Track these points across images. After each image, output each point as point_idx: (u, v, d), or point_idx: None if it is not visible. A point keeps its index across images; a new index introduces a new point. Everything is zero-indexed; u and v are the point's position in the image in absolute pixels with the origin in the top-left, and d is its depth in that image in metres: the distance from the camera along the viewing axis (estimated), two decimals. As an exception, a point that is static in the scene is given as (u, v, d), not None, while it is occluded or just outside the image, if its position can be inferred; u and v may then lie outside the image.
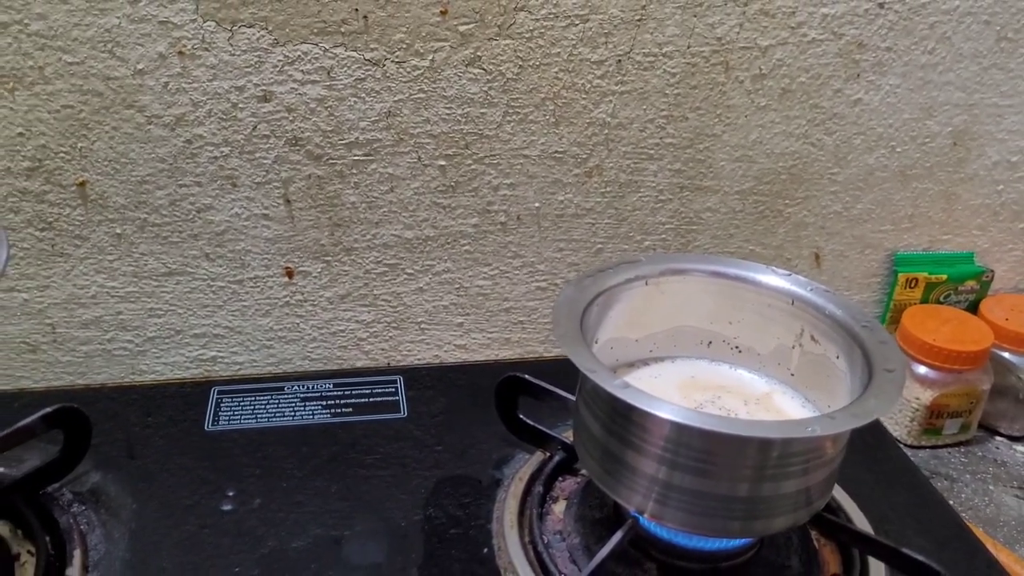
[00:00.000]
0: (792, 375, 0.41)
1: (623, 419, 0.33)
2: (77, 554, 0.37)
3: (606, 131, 0.51)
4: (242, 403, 0.49)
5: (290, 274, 0.52)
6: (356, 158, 0.49)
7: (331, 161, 0.49)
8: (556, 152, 0.51)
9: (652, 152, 0.52)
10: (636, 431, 0.32)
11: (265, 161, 0.48)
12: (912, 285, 0.59)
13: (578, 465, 0.43)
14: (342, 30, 0.45)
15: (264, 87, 0.46)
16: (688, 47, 0.49)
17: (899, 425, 0.55)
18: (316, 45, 0.45)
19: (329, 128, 0.48)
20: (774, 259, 0.58)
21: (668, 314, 0.41)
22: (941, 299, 0.60)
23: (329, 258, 0.52)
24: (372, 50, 0.46)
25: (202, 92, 0.45)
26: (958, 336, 0.53)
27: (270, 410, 0.49)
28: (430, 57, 0.47)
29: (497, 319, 0.56)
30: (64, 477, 0.41)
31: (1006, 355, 0.56)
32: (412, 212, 0.51)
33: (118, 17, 0.43)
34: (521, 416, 0.44)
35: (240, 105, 0.46)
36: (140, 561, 0.38)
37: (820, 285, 0.39)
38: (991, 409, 0.56)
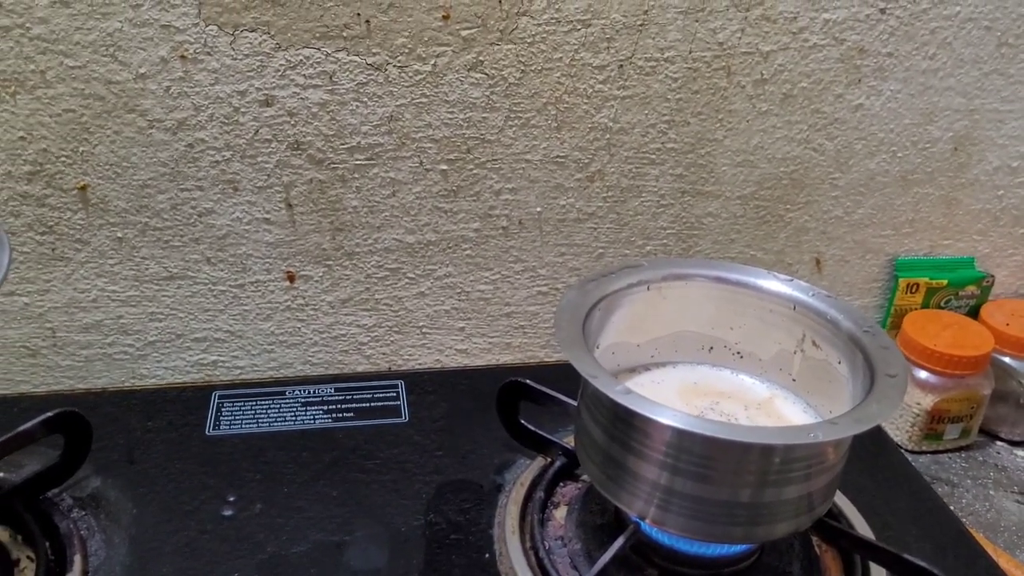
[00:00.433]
0: (794, 380, 0.41)
1: (625, 425, 0.33)
2: (77, 559, 0.37)
3: (608, 136, 0.51)
4: (243, 408, 0.49)
5: (291, 278, 0.52)
6: (358, 162, 0.49)
7: (333, 165, 0.49)
8: (558, 157, 0.51)
9: (654, 157, 0.52)
10: (638, 437, 0.32)
11: (267, 165, 0.48)
12: (913, 290, 0.59)
13: (579, 471, 0.43)
14: (344, 35, 0.45)
15: (266, 91, 0.46)
16: (690, 52, 0.49)
17: (900, 430, 0.55)
18: (318, 50, 0.45)
19: (331, 132, 0.48)
20: (775, 264, 0.58)
21: (670, 319, 0.41)
22: (942, 304, 0.60)
23: (331, 262, 0.52)
24: (374, 55, 0.46)
25: (204, 96, 0.46)
26: (959, 341, 0.53)
27: (271, 415, 0.48)
28: (432, 62, 0.47)
29: (498, 324, 0.56)
30: (64, 482, 0.41)
31: (1007, 360, 0.56)
32: (414, 216, 0.51)
33: (120, 21, 0.43)
34: (522, 421, 0.44)
35: (242, 109, 0.46)
36: (140, 566, 0.38)
37: (821, 290, 0.39)
38: (992, 414, 0.56)
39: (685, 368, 0.42)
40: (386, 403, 0.50)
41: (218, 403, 0.49)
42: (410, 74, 0.47)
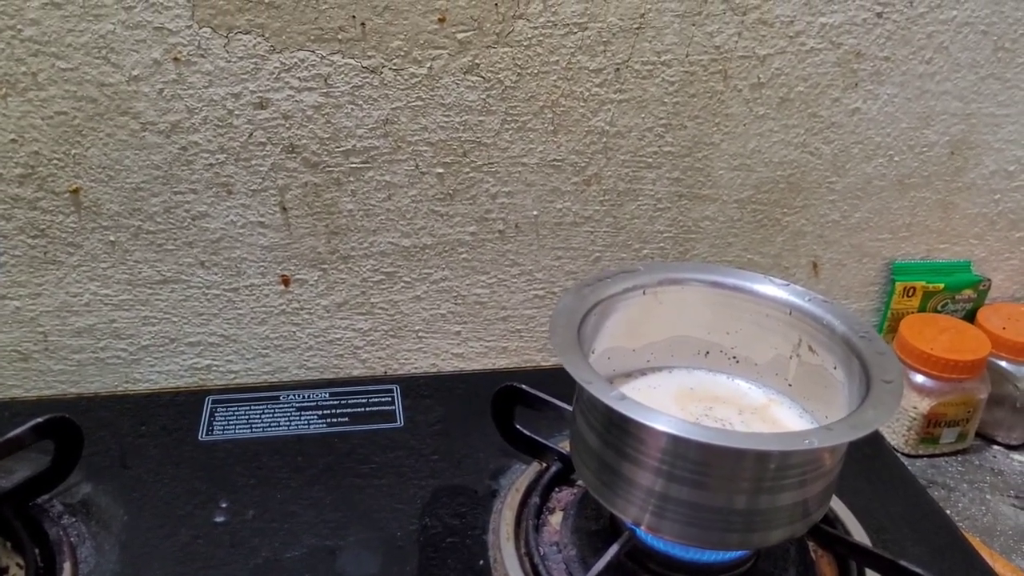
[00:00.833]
0: (790, 385, 0.40)
1: (619, 431, 0.33)
2: (67, 567, 0.37)
3: (604, 139, 0.51)
4: (237, 412, 0.49)
5: (286, 282, 0.52)
6: (353, 166, 0.49)
7: (328, 169, 0.49)
8: (554, 160, 0.51)
9: (650, 160, 0.52)
10: (633, 443, 0.32)
11: (261, 168, 0.48)
12: (910, 294, 0.59)
13: (575, 476, 0.43)
14: (339, 37, 0.45)
15: (260, 94, 0.46)
16: (687, 56, 0.49)
17: (896, 434, 0.55)
18: (313, 52, 0.45)
19: (326, 135, 0.48)
20: (772, 268, 0.58)
21: (666, 324, 0.41)
22: (938, 308, 0.60)
23: (326, 266, 0.52)
24: (369, 57, 0.46)
25: (198, 99, 0.45)
26: (955, 345, 0.53)
27: (265, 420, 0.48)
28: (428, 64, 0.47)
29: (495, 328, 0.56)
30: (55, 488, 0.41)
31: (1003, 364, 0.56)
32: (409, 220, 0.51)
33: (113, 23, 0.43)
34: (518, 426, 0.44)
35: (236, 112, 0.46)
36: (131, 573, 0.38)
37: (818, 295, 0.39)
38: (988, 418, 0.56)
39: (681, 373, 0.42)
40: (381, 408, 0.50)
41: (212, 408, 0.49)
42: (405, 77, 0.47)
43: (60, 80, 0.44)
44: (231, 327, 0.53)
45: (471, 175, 0.50)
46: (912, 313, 0.59)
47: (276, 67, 0.45)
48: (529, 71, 0.48)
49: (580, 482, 0.42)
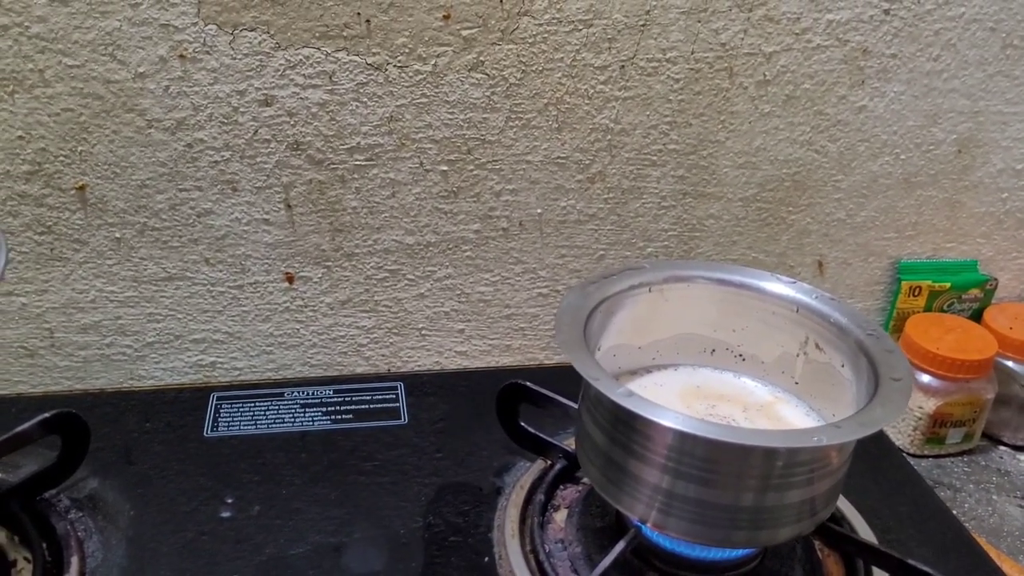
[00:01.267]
0: (796, 383, 0.40)
1: (626, 427, 0.33)
2: (74, 561, 0.37)
3: (609, 137, 0.51)
4: (241, 409, 0.49)
5: (290, 279, 0.52)
6: (357, 163, 0.49)
7: (332, 166, 0.49)
8: (559, 158, 0.51)
9: (655, 158, 0.52)
10: (639, 439, 0.32)
11: (266, 166, 0.48)
12: (916, 293, 0.59)
13: (580, 473, 0.43)
14: (344, 34, 0.45)
15: (265, 91, 0.46)
16: (692, 53, 0.49)
17: (902, 434, 0.55)
18: (318, 49, 0.45)
19: (331, 133, 0.48)
20: (777, 266, 0.57)
21: (672, 322, 0.41)
22: (945, 308, 0.60)
23: (330, 263, 0.52)
24: (374, 55, 0.46)
25: (203, 96, 0.45)
26: (962, 345, 0.52)
27: (269, 416, 0.48)
28: (432, 62, 0.47)
29: (498, 326, 0.56)
30: (62, 483, 0.41)
31: (1010, 364, 0.55)
32: (413, 217, 0.51)
33: (119, 20, 0.43)
34: (522, 424, 0.44)
35: (241, 109, 0.46)
36: (138, 568, 0.38)
37: (825, 293, 0.39)
38: (994, 418, 0.56)
39: (687, 371, 0.42)
40: (385, 405, 0.50)
41: (216, 404, 0.49)
42: (410, 74, 0.47)
43: (67, 77, 0.44)
44: (235, 324, 0.53)
45: (475, 172, 0.50)
46: (918, 312, 0.59)
47: (281, 64, 0.45)
48: (534, 68, 0.48)
49: (585, 479, 0.42)
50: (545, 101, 0.49)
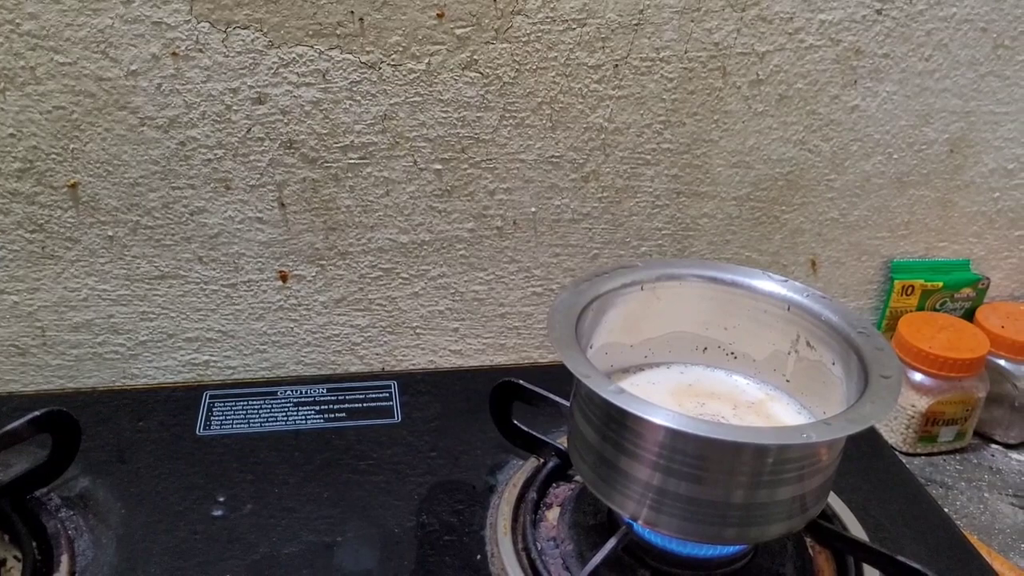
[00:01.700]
0: (788, 381, 0.40)
1: (617, 425, 0.33)
2: (64, 560, 0.37)
3: (603, 136, 0.51)
4: (234, 408, 0.49)
5: (284, 278, 0.52)
6: (351, 161, 0.49)
7: (326, 164, 0.49)
8: (553, 157, 0.51)
9: (649, 157, 0.52)
10: (630, 437, 0.32)
11: (259, 164, 0.48)
12: (908, 292, 0.59)
13: (572, 471, 0.43)
14: (338, 32, 0.45)
15: (259, 89, 0.46)
16: (685, 52, 0.49)
17: (894, 432, 0.55)
18: (311, 47, 0.45)
19: (324, 131, 0.48)
20: (770, 266, 0.58)
21: (664, 320, 0.41)
22: (937, 306, 0.60)
23: (324, 262, 0.52)
24: (368, 53, 0.46)
25: (196, 94, 0.45)
26: (954, 343, 0.53)
27: (263, 415, 0.48)
28: (426, 60, 0.47)
29: (493, 324, 0.56)
30: (52, 482, 0.41)
31: (1002, 363, 0.56)
32: (407, 216, 0.51)
33: (111, 17, 0.43)
34: (515, 422, 0.44)
35: (234, 107, 0.46)
36: (129, 567, 0.37)
37: (816, 291, 0.39)
38: (987, 417, 0.56)
39: (679, 369, 0.42)
40: (379, 404, 0.50)
41: (209, 403, 0.49)
42: (404, 72, 0.47)
43: (58, 74, 0.44)
44: (229, 323, 0.53)
45: (469, 171, 0.50)
46: (911, 312, 0.59)
47: (274, 62, 0.45)
48: (527, 67, 0.48)
49: (577, 477, 0.42)
50: (539, 100, 0.49)
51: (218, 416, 0.48)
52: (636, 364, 0.42)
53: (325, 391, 0.51)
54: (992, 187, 0.58)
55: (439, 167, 0.50)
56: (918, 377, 0.53)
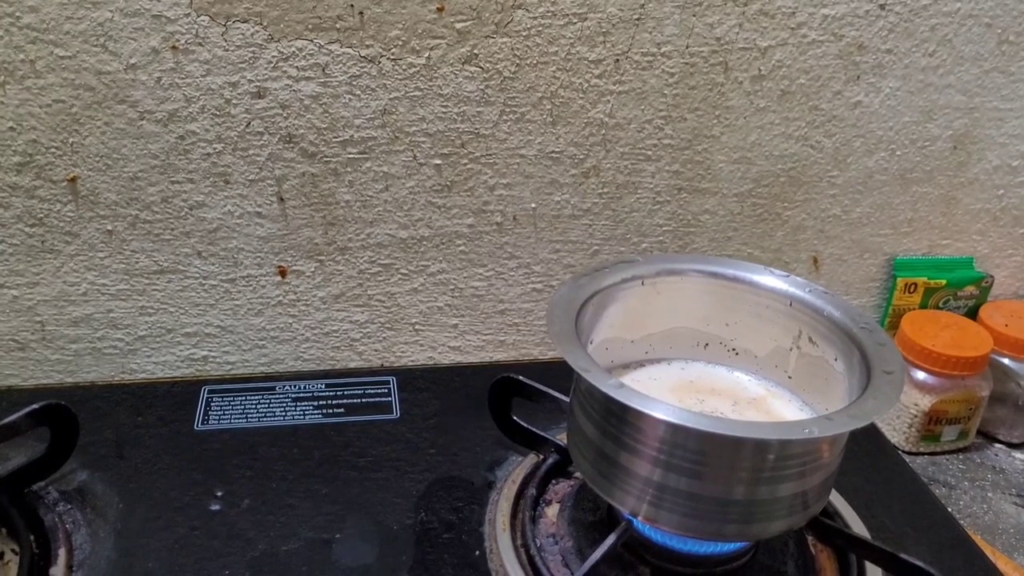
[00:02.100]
0: (789, 378, 0.40)
1: (617, 420, 0.32)
2: (62, 553, 0.37)
3: (604, 131, 0.50)
4: (233, 403, 0.48)
5: (283, 273, 0.52)
6: (351, 156, 0.49)
7: (325, 159, 0.48)
8: (553, 152, 0.51)
9: (650, 153, 0.52)
10: (631, 432, 0.32)
11: (259, 158, 0.48)
12: (911, 290, 0.59)
13: (572, 467, 0.43)
14: (337, 26, 0.45)
15: (258, 83, 0.46)
16: (687, 47, 0.49)
17: (897, 431, 0.54)
18: (311, 41, 0.45)
19: (324, 125, 0.47)
20: (772, 262, 0.57)
21: (664, 315, 0.41)
22: (940, 304, 0.60)
23: (323, 257, 0.52)
24: (367, 47, 0.46)
25: (195, 88, 0.45)
26: (957, 342, 0.52)
27: (261, 410, 0.48)
28: (426, 54, 0.46)
29: (492, 321, 0.56)
30: (50, 475, 0.41)
31: (1005, 361, 0.55)
32: (407, 211, 0.51)
33: (111, 11, 0.43)
34: (515, 418, 0.44)
35: (234, 101, 0.46)
36: (126, 561, 0.37)
37: (818, 287, 0.39)
38: (990, 416, 0.56)
39: (680, 365, 0.42)
40: (378, 400, 0.49)
41: (208, 398, 0.49)
42: (404, 67, 0.46)
43: (58, 68, 0.43)
44: (228, 318, 0.52)
45: (469, 166, 0.50)
46: (913, 309, 0.59)
47: (274, 56, 0.45)
48: (528, 62, 0.47)
49: (577, 474, 0.42)
50: (539, 95, 0.49)
51: (216, 411, 0.48)
52: (637, 360, 0.42)
53: (324, 387, 0.50)
54: (996, 184, 0.58)
55: (439, 162, 0.50)
56: (921, 375, 0.53)
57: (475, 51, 0.47)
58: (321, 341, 0.54)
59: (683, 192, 0.53)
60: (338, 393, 0.50)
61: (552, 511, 0.41)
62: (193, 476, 0.43)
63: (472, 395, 0.50)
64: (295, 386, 0.50)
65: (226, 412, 0.48)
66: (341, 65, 0.46)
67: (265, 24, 0.44)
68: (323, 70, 0.46)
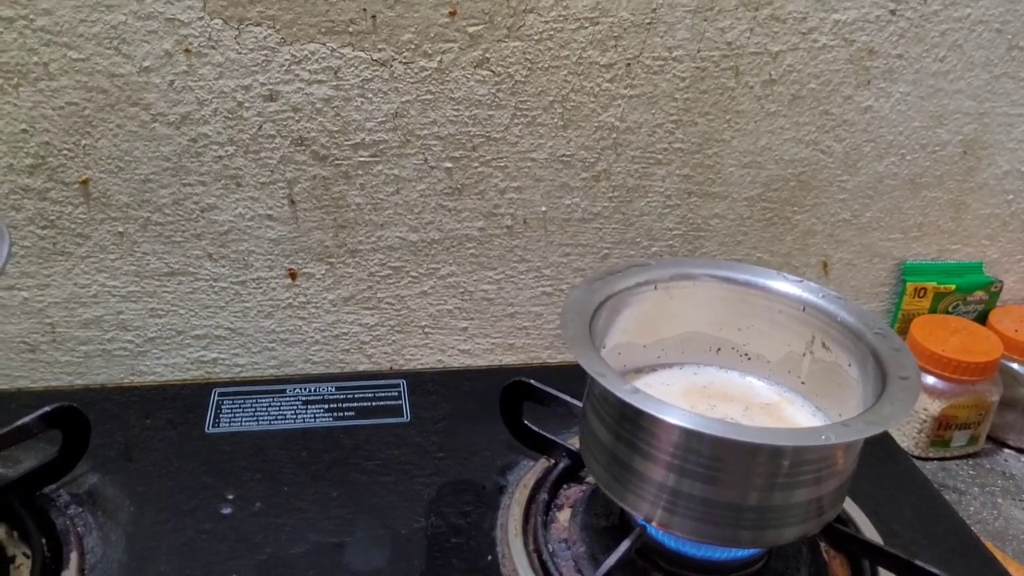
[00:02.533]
0: (802, 383, 0.40)
1: (632, 424, 0.32)
2: (73, 557, 0.36)
3: (614, 135, 0.50)
4: (243, 405, 0.48)
5: (293, 276, 0.52)
6: (362, 159, 0.49)
7: (337, 162, 0.48)
8: (564, 156, 0.51)
9: (660, 157, 0.52)
10: (645, 437, 0.32)
11: (270, 161, 0.48)
12: (921, 295, 0.59)
13: (584, 472, 0.42)
14: (350, 30, 0.45)
15: (270, 86, 0.46)
16: (698, 51, 0.49)
17: (906, 436, 0.54)
18: (323, 45, 0.45)
19: (335, 128, 0.47)
20: (782, 267, 0.57)
21: (677, 320, 0.41)
22: (950, 309, 0.60)
23: (333, 260, 0.52)
24: (380, 50, 0.46)
25: (208, 90, 0.45)
26: (967, 347, 0.52)
27: (271, 413, 0.48)
28: (438, 58, 0.46)
29: (502, 324, 0.56)
30: (62, 478, 0.41)
31: (1015, 366, 0.55)
32: (417, 214, 0.51)
33: (124, 14, 0.43)
34: (526, 422, 0.44)
35: (246, 104, 0.46)
36: (137, 565, 0.37)
37: (832, 292, 0.39)
38: (1000, 421, 0.55)
39: (692, 370, 0.42)
40: (388, 403, 0.49)
41: (218, 400, 0.49)
42: (416, 70, 0.47)
43: (71, 70, 0.44)
44: (238, 320, 0.52)
45: (480, 170, 0.50)
46: (923, 314, 0.59)
47: (286, 59, 0.45)
48: (539, 66, 0.48)
49: (589, 479, 0.42)
50: (551, 99, 0.49)
51: (227, 414, 0.48)
52: (649, 364, 0.42)
53: (334, 389, 0.50)
54: (1006, 189, 0.58)
55: (449, 165, 0.50)
56: (931, 380, 0.53)
57: (487, 55, 0.47)
58: (331, 344, 0.54)
59: (693, 196, 0.53)
60: (348, 396, 0.50)
61: (564, 516, 0.40)
62: (203, 479, 0.43)
63: (482, 398, 0.49)
64: (305, 389, 0.50)
65: (236, 415, 0.47)
66: (353, 68, 0.46)
67: (278, 28, 0.44)
68: (335, 73, 0.46)
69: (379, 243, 0.51)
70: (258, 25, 0.44)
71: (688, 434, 0.30)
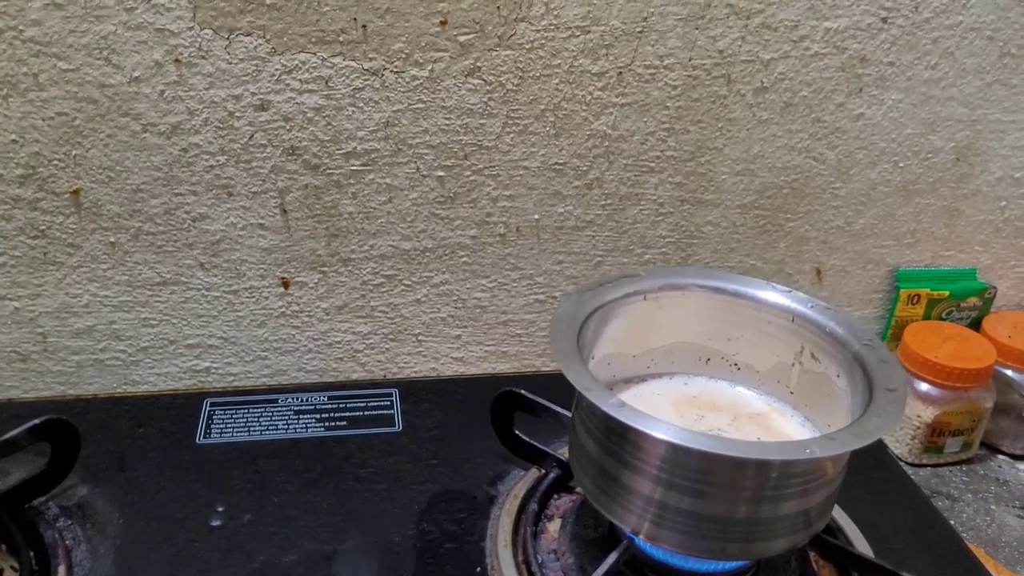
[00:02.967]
0: (792, 393, 0.40)
1: (619, 438, 0.32)
2: (62, 570, 0.37)
3: (607, 143, 0.50)
4: (235, 415, 0.48)
5: (286, 284, 0.52)
6: (354, 168, 0.49)
7: (328, 171, 0.48)
8: (556, 164, 0.51)
9: (653, 165, 0.52)
10: (632, 451, 0.32)
11: (262, 170, 0.48)
12: (914, 301, 0.59)
13: (573, 483, 0.42)
14: (340, 39, 0.45)
15: (261, 96, 0.46)
16: (690, 60, 0.49)
17: (900, 443, 0.54)
18: (314, 54, 0.45)
19: (327, 138, 0.47)
20: (775, 274, 0.57)
21: (667, 330, 0.41)
22: (943, 316, 0.60)
23: (326, 269, 0.52)
24: (371, 60, 0.46)
25: (198, 100, 0.45)
26: (960, 353, 0.52)
27: (263, 423, 0.48)
28: (429, 67, 0.46)
29: (495, 332, 0.56)
30: (51, 491, 0.41)
31: (1009, 373, 0.55)
32: (410, 223, 0.51)
33: (114, 24, 0.43)
34: (517, 432, 0.44)
35: (237, 114, 0.46)
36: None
37: (821, 302, 0.39)
38: (993, 427, 0.55)
39: (682, 380, 0.42)
40: (380, 412, 0.49)
41: (210, 410, 0.49)
42: (407, 79, 0.46)
43: (61, 81, 0.44)
44: (230, 329, 0.52)
45: (472, 178, 0.50)
46: (916, 321, 0.59)
47: (277, 69, 0.45)
48: (531, 74, 0.47)
49: (579, 489, 0.42)
50: (542, 107, 0.49)
51: (218, 424, 0.48)
52: (639, 375, 0.42)
53: (326, 399, 0.50)
54: (999, 196, 0.58)
55: (442, 174, 0.50)
56: (924, 387, 0.53)
57: (478, 64, 0.47)
58: (324, 352, 0.54)
59: (686, 204, 0.53)
60: (340, 406, 0.50)
61: (554, 527, 0.40)
62: (194, 489, 0.43)
63: (474, 407, 0.49)
64: (297, 398, 0.50)
65: (228, 425, 0.48)
66: (344, 78, 0.46)
67: (268, 37, 0.44)
68: (326, 83, 0.46)
69: (372, 252, 0.51)
70: (248, 35, 0.44)
71: (674, 448, 0.30)
